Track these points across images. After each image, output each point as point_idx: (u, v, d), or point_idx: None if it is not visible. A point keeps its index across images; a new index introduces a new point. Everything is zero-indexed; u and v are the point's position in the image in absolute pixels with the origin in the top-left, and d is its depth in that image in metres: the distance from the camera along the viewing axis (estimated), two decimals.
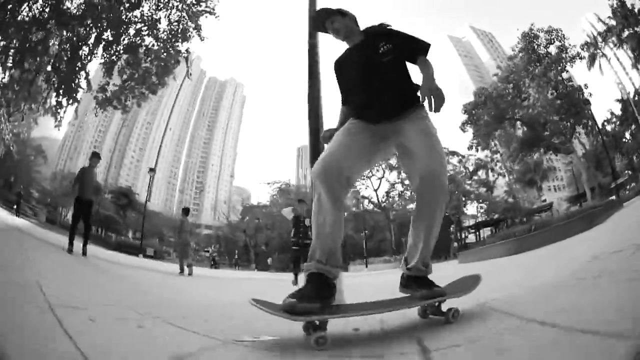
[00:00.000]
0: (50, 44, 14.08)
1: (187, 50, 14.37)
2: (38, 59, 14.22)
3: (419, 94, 1.96)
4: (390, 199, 42.65)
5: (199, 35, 14.14)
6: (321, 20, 2.37)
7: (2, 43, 13.67)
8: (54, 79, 14.82)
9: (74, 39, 13.93)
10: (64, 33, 13.79)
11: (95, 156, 8.22)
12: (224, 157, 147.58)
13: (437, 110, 1.82)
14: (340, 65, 2.35)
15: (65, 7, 13.21)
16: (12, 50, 13.76)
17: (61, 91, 14.60)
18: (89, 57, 14.32)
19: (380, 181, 41.82)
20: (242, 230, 55.16)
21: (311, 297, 1.67)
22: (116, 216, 48.41)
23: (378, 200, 42.53)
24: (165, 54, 14.10)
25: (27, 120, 25.88)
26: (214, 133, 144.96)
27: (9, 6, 12.65)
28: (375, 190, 42.17)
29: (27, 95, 15.90)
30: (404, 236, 36.98)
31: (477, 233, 39.48)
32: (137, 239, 45.41)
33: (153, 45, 14.13)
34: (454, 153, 38.83)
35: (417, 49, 2.14)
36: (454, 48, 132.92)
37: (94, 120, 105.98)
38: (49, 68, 14.88)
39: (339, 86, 2.39)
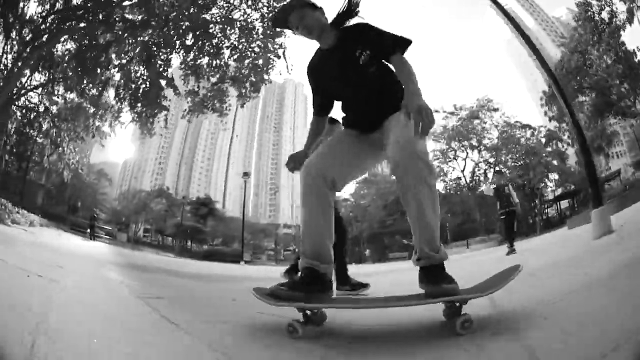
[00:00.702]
0: (115, 51, 14.22)
1: (282, 45, 14.09)
2: (105, 69, 14.52)
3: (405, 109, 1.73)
4: (476, 178, 42.93)
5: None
6: (285, 14, 2.06)
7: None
8: (123, 90, 14.84)
9: (151, 42, 13.85)
10: (137, 38, 13.71)
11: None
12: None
13: (425, 133, 1.60)
14: (315, 73, 2.18)
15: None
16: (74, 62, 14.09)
17: (141, 101, 14.51)
18: (168, 62, 14.32)
19: (465, 161, 42.72)
20: None
21: (297, 287, 1.74)
22: (200, 226, 50.20)
23: (466, 181, 43.09)
24: (263, 51, 13.98)
25: (90, 143, 26.25)
26: (281, 134, 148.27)
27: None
28: (462, 171, 43.04)
29: (95, 113, 16.59)
30: (492, 215, 36.55)
31: (558, 205, 39.80)
32: (216, 246, 49.18)
33: (244, 42, 14.04)
34: (526, 126, 40.24)
35: (392, 46, 1.92)
36: (497, 15, 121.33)
37: (155, 138, 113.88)
38: (116, 77, 15.12)
39: (314, 96, 2.25)
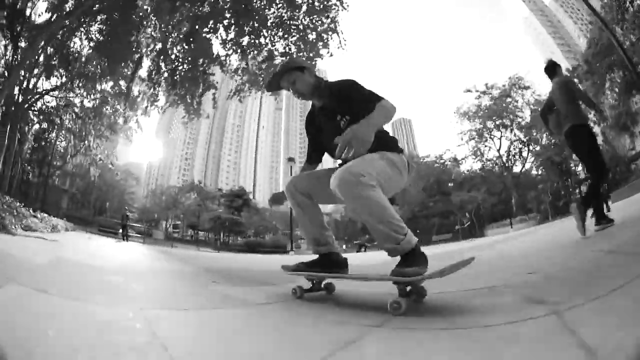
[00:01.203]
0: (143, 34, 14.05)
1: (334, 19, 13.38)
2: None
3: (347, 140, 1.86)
4: (512, 158, 43.61)
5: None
6: (277, 79, 2.36)
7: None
8: (156, 74, 14.25)
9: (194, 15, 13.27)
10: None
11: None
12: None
13: (337, 157, 1.89)
14: (309, 126, 2.57)
15: None
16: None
17: (182, 82, 13.88)
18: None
19: (501, 141, 43.43)
20: None
21: (312, 265, 2.34)
22: (238, 218, 50.02)
23: (503, 161, 43.45)
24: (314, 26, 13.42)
25: (115, 141, 25.86)
26: None
27: None
28: (498, 150, 43.64)
29: (128, 103, 16.05)
30: (529, 192, 40.00)
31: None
32: (251, 238, 50.02)
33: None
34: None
35: (373, 104, 2.06)
36: None
37: (180, 134, 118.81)
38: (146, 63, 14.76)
39: (309, 146, 2.65)
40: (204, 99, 14.70)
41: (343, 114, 2.17)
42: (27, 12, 15.96)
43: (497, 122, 41.08)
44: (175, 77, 13.99)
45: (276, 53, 13.54)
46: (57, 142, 27.26)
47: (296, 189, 2.36)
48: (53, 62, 16.26)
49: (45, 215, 11.87)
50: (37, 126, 23.80)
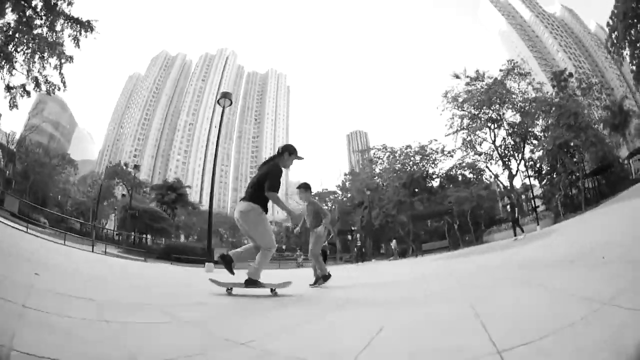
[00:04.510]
0: None
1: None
2: None
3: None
4: (507, 152, 38.51)
5: None
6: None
7: None
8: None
9: None
10: None
11: None
12: (276, 150, 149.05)
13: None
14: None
15: None
16: None
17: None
18: None
19: (495, 132, 38.40)
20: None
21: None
22: (160, 211, 40.26)
23: (498, 153, 37.91)
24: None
25: None
26: (262, 126, 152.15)
27: None
28: (493, 142, 38.36)
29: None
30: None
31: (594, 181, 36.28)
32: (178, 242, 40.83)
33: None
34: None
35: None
36: (495, 8, 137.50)
37: (131, 129, 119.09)
38: None
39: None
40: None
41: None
42: None
43: (488, 110, 37.19)
44: None
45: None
46: None
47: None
48: None
49: None
50: None
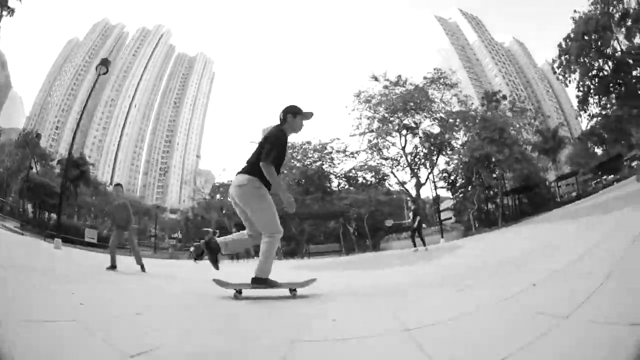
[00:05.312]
0: None
1: None
2: None
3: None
4: (418, 161, 41.70)
5: None
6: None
7: None
8: None
9: None
10: None
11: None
12: (190, 136, 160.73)
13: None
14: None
15: None
16: None
17: None
18: None
19: (406, 138, 40.87)
20: (218, 208, 53.78)
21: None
22: (53, 184, 37.49)
23: (407, 160, 40.77)
24: None
25: None
26: (180, 110, 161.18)
27: None
28: (403, 149, 40.81)
29: None
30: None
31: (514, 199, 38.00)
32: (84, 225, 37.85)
33: None
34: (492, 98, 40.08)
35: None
36: (440, 27, 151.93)
37: (58, 98, 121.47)
38: None
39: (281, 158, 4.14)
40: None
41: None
42: None
43: (402, 115, 38.28)
44: None
45: None
46: None
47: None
48: None
49: None
50: None
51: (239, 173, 4.12)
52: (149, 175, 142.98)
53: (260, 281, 4.01)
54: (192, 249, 31.36)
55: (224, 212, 50.74)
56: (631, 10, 31.07)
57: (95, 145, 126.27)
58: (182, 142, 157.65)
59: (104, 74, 16.62)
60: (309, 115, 4.42)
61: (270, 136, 4.08)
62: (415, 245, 16.75)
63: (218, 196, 58.37)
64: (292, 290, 4.21)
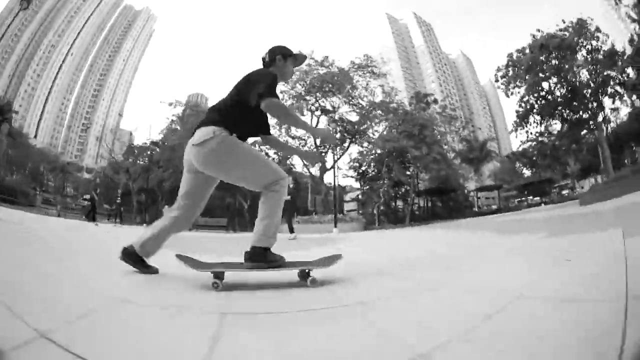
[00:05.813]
0: None
1: None
2: None
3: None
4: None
5: None
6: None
7: None
8: None
9: None
10: None
11: None
12: (117, 92, 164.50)
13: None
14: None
15: None
16: None
17: None
18: None
19: (318, 119, 42.17)
20: (124, 170, 51.33)
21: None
22: None
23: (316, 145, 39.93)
24: None
25: None
26: (113, 64, 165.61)
27: None
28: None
29: None
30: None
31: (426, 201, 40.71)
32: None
33: None
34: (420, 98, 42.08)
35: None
36: (389, 25, 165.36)
37: (4, 42, 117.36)
38: None
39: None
40: None
41: None
42: None
43: (319, 100, 38.85)
44: None
45: None
46: None
47: None
48: None
49: None
50: None
51: (197, 127, 3.20)
52: (71, 130, 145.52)
53: (259, 255, 3.09)
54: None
55: (129, 175, 49.48)
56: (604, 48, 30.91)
57: (27, 92, 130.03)
58: (107, 97, 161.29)
59: (25, 9, 17.38)
60: (302, 59, 3.71)
61: (258, 74, 3.30)
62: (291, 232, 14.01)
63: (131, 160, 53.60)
64: (305, 274, 3.18)
